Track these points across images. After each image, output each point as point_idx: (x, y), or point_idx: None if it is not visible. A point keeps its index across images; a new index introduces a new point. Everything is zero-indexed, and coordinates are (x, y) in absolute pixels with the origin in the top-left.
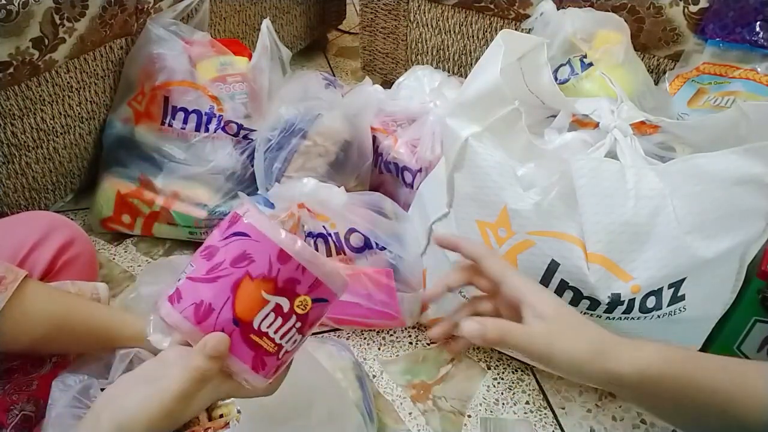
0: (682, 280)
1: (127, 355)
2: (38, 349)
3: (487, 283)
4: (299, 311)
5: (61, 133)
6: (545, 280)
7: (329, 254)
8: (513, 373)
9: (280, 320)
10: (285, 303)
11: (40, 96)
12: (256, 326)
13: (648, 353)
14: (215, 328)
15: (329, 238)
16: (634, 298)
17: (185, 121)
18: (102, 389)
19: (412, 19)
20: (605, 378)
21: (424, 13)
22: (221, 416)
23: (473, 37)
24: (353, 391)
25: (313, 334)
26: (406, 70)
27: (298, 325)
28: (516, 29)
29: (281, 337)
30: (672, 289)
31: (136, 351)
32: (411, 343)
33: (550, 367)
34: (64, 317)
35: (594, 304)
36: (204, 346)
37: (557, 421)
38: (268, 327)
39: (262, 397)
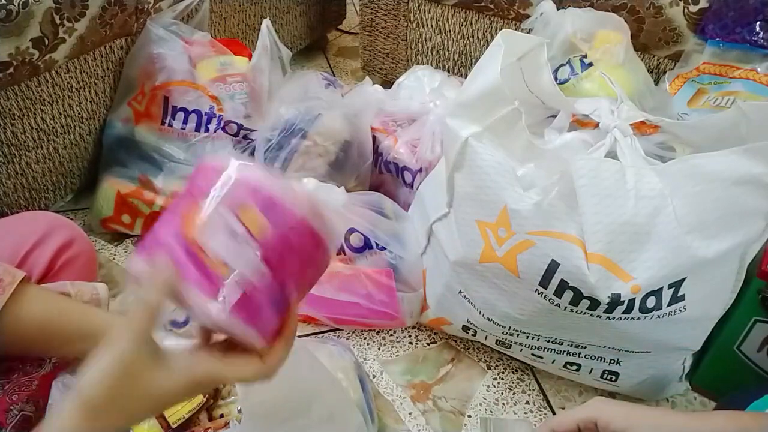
0: (682, 280)
1: None
2: (35, 352)
3: None
4: (253, 230)
5: (61, 133)
6: (545, 280)
7: None
8: (513, 373)
9: (227, 237)
10: (229, 216)
11: (40, 96)
12: (200, 241)
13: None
14: (163, 249)
15: None
16: (634, 298)
17: (185, 121)
18: None
19: (412, 19)
20: None
21: (424, 13)
22: (221, 416)
23: (473, 37)
24: (354, 391)
25: (313, 334)
26: (406, 70)
27: (259, 250)
28: (516, 29)
29: (234, 259)
30: (672, 289)
31: None
32: (411, 343)
33: None
34: (61, 321)
35: (594, 304)
36: (156, 277)
37: None
38: (215, 245)
39: (258, 380)
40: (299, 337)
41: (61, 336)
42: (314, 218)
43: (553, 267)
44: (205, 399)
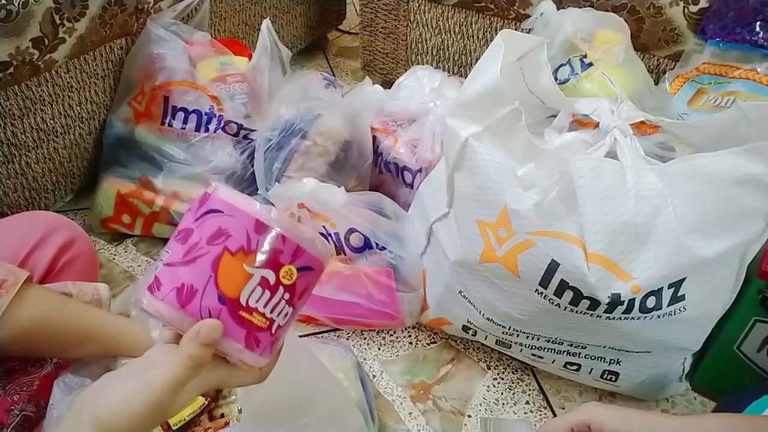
0: (682, 280)
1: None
2: (38, 352)
3: None
4: (286, 282)
5: (61, 133)
6: (545, 280)
7: None
8: (513, 373)
9: (268, 293)
10: (270, 275)
11: (40, 96)
12: (243, 302)
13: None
14: (201, 309)
15: (329, 239)
16: (634, 298)
17: (185, 121)
18: None
19: (412, 19)
20: None
21: (424, 13)
22: (222, 416)
23: (473, 37)
24: (355, 391)
25: (313, 334)
26: (406, 70)
27: (287, 296)
28: (516, 29)
29: (271, 311)
30: (672, 289)
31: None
32: (411, 343)
33: None
34: (64, 322)
35: (594, 304)
36: (196, 333)
37: None
38: (256, 302)
39: (254, 384)
40: (300, 336)
41: (65, 336)
42: (326, 256)
43: (553, 267)
44: (206, 402)
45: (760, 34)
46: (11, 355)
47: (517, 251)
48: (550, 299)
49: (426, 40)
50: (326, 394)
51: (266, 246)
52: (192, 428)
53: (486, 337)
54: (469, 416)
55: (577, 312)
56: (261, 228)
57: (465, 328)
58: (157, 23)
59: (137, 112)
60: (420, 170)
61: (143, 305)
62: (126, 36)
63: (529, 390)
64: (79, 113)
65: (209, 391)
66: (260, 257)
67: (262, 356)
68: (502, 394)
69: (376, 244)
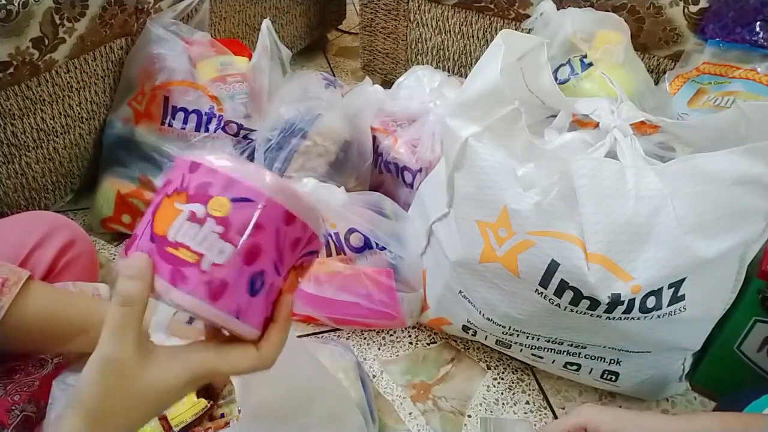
0: (682, 280)
1: None
2: (44, 348)
3: None
4: (216, 214)
5: (61, 133)
6: (545, 280)
7: (329, 254)
8: (513, 373)
9: (196, 227)
10: (198, 208)
11: (40, 96)
12: (171, 238)
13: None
14: (137, 249)
15: (329, 238)
16: (634, 298)
17: (185, 121)
18: None
19: (412, 19)
20: None
21: (424, 13)
22: (222, 416)
23: (473, 37)
24: (355, 391)
25: (313, 334)
26: (406, 70)
27: (220, 229)
28: (516, 29)
29: (200, 244)
30: (672, 289)
31: None
32: (411, 343)
33: None
34: (69, 315)
35: (594, 304)
36: (123, 268)
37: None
38: (183, 236)
39: (255, 370)
40: (299, 337)
41: (70, 330)
42: (283, 196)
43: (553, 267)
44: (209, 405)
45: (760, 34)
46: (18, 352)
47: (517, 251)
48: (550, 299)
49: (426, 40)
50: (326, 394)
51: (195, 182)
52: (192, 429)
53: (486, 337)
54: (469, 416)
55: (577, 312)
56: (194, 167)
57: (465, 328)
58: (157, 23)
59: (137, 112)
60: (420, 170)
61: (115, 268)
62: (126, 36)
63: (529, 390)
64: (79, 113)
65: (217, 385)
66: (189, 194)
67: (205, 302)
68: (502, 394)
69: (376, 244)
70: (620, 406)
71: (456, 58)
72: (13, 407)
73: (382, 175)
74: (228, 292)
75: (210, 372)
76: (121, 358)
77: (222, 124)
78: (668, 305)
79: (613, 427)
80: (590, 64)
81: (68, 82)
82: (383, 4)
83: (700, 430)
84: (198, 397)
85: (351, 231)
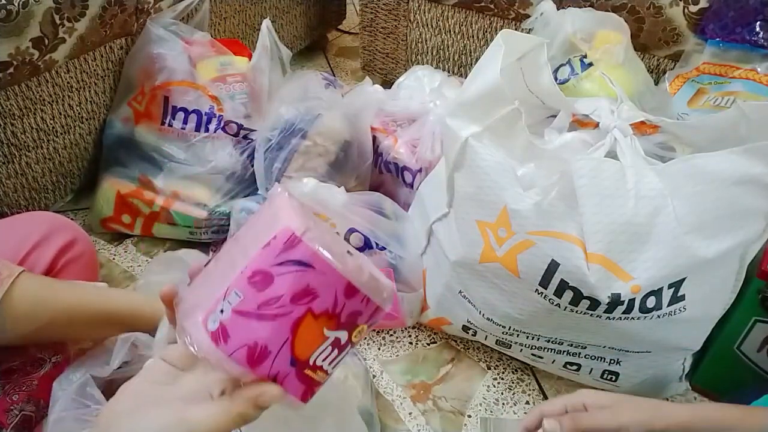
0: (682, 280)
1: (127, 340)
2: (48, 337)
3: None
4: (355, 339)
5: (61, 133)
6: (545, 280)
7: None
8: (513, 373)
9: (336, 352)
10: (344, 335)
11: (40, 96)
12: (311, 362)
13: (686, 406)
14: (270, 370)
15: None
16: (634, 298)
17: (185, 121)
18: (99, 385)
19: (412, 19)
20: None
21: (424, 13)
22: None
23: (473, 37)
24: (365, 396)
25: None
26: (406, 70)
27: (349, 349)
28: (516, 29)
29: (333, 366)
30: (672, 289)
31: (136, 335)
32: (411, 343)
33: None
34: (74, 304)
35: (594, 304)
36: (257, 397)
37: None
38: (323, 360)
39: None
40: None
41: (74, 318)
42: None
43: (553, 267)
44: None
45: (760, 34)
46: (14, 344)
47: (517, 251)
48: (550, 299)
49: (426, 40)
50: (331, 404)
51: (350, 309)
52: None
53: (486, 337)
54: (469, 416)
55: (577, 312)
56: (351, 291)
57: (465, 328)
58: (157, 23)
59: (137, 112)
60: (420, 170)
61: (204, 353)
62: (126, 36)
63: (529, 390)
64: (79, 113)
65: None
66: (341, 320)
67: (306, 402)
68: (502, 394)
69: (376, 244)
70: None
71: (456, 58)
72: (12, 407)
73: (382, 175)
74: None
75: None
76: None
77: (222, 124)
78: (668, 305)
79: (611, 401)
80: (590, 64)
81: (68, 82)
82: (383, 4)
83: (702, 415)
84: None
85: (351, 231)
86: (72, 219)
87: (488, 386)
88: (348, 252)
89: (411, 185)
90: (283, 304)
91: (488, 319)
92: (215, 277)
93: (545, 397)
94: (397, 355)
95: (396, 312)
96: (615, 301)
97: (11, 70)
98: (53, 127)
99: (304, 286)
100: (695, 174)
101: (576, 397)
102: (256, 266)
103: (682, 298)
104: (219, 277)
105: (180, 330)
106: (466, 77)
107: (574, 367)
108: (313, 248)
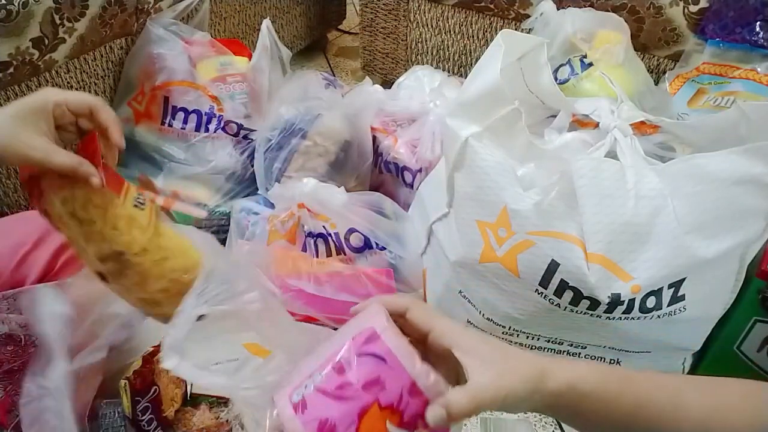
0: (682, 280)
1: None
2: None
3: (415, 334)
4: None
5: None
6: (545, 280)
7: (329, 254)
8: None
9: None
10: None
11: None
12: None
13: (583, 368)
14: None
15: (329, 238)
16: (634, 298)
17: (185, 121)
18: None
19: (412, 19)
20: (547, 396)
21: (424, 13)
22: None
23: (473, 37)
24: None
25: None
26: (406, 70)
27: None
28: (516, 29)
29: None
30: (672, 289)
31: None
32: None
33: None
34: None
35: (594, 304)
36: None
37: (557, 421)
38: None
39: None
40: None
41: None
42: None
43: (553, 267)
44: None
45: (760, 34)
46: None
47: (517, 251)
48: (550, 299)
49: (426, 40)
50: None
51: (413, 410)
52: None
53: None
54: None
55: (577, 312)
56: (415, 392)
57: None
58: (157, 23)
59: (137, 112)
60: (420, 170)
61: (283, 418)
62: (126, 36)
63: None
64: None
65: None
66: (404, 419)
67: None
68: None
69: (376, 244)
70: None
71: (456, 58)
72: (14, 408)
73: (382, 175)
74: None
75: None
76: None
77: (222, 124)
78: (668, 305)
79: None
80: (590, 64)
81: (68, 82)
82: (383, 4)
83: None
84: None
85: (351, 231)
86: None
87: None
88: (422, 361)
89: (411, 185)
90: (356, 390)
91: (488, 319)
92: (307, 362)
93: None
94: None
95: None
96: (615, 301)
97: (11, 70)
98: None
99: (375, 376)
100: (695, 174)
101: (436, 326)
102: (341, 355)
103: (682, 298)
104: (310, 362)
105: (271, 403)
106: (466, 77)
107: None
108: (389, 345)
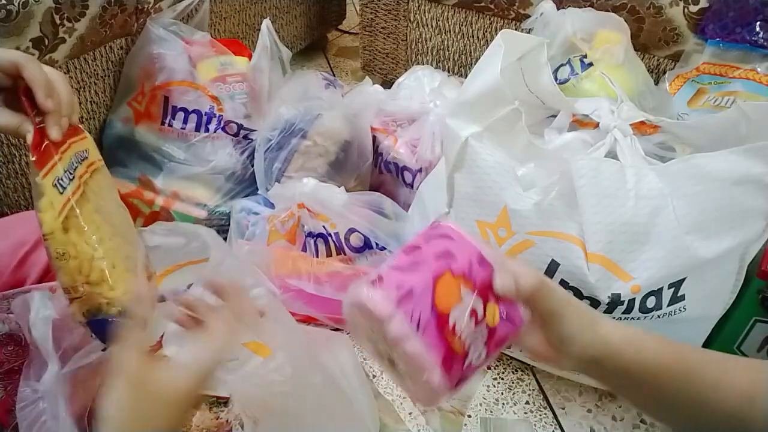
0: (682, 280)
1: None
2: None
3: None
4: (489, 322)
5: None
6: None
7: (329, 254)
8: (513, 373)
9: (472, 324)
10: (479, 307)
11: None
12: (450, 323)
13: (632, 328)
14: (412, 313)
15: (329, 238)
16: (634, 298)
17: (185, 121)
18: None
19: (412, 19)
20: (593, 345)
21: (424, 13)
22: (227, 422)
23: (473, 37)
24: (365, 391)
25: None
26: (406, 70)
27: (485, 336)
28: (516, 29)
29: (470, 344)
30: (672, 289)
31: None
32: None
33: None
34: None
35: (594, 304)
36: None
37: (557, 421)
38: (461, 328)
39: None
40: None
41: None
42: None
43: (553, 267)
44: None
45: (760, 34)
46: None
47: (517, 251)
48: None
49: (426, 40)
50: (336, 411)
51: (483, 279)
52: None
53: None
54: (469, 416)
55: None
56: (483, 261)
57: None
58: (157, 23)
59: (137, 112)
60: (420, 170)
61: (362, 297)
62: (126, 36)
63: (529, 390)
64: (79, 113)
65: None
66: (476, 285)
67: (447, 387)
68: (502, 394)
69: (376, 244)
70: (620, 407)
71: (456, 58)
72: (14, 408)
73: (382, 175)
74: (463, 386)
75: (211, 366)
76: (138, 367)
77: (222, 124)
78: (668, 305)
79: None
80: (590, 64)
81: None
82: (383, 4)
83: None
84: None
85: (351, 231)
86: None
87: (488, 386)
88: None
89: (411, 185)
90: (427, 260)
91: None
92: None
93: (545, 397)
94: None
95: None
96: (615, 301)
97: None
98: None
99: (444, 248)
100: (695, 174)
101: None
102: (410, 243)
103: (682, 298)
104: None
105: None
106: (466, 77)
107: None
108: (452, 226)
